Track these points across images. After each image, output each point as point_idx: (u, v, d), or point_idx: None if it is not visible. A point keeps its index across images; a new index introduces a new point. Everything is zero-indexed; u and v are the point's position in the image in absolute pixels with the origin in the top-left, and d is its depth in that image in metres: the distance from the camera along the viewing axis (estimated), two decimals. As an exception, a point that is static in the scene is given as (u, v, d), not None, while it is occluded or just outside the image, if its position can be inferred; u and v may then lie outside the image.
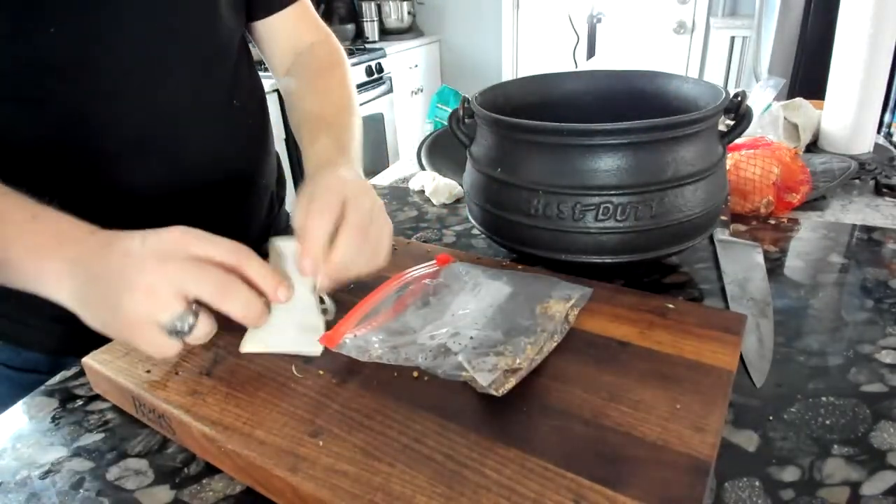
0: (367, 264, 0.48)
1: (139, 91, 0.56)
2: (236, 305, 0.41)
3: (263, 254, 0.46)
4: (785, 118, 0.95)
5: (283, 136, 2.22)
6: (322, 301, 0.49)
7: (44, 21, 0.49)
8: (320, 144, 0.59)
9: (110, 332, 0.42)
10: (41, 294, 0.42)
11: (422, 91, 3.29)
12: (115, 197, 0.58)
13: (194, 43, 0.60)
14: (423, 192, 0.88)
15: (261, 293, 0.42)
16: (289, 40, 0.73)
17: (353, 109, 0.67)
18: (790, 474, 0.38)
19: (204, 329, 0.41)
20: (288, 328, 0.47)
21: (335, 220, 0.46)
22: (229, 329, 0.50)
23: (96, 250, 0.41)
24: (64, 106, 0.53)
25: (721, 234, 0.67)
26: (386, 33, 3.25)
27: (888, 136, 1.86)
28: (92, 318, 0.41)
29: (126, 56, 0.54)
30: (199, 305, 0.40)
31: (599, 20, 2.29)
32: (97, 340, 0.49)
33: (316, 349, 0.46)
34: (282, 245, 0.50)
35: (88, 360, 0.47)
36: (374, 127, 2.76)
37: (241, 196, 0.70)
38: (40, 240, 0.42)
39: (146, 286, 0.38)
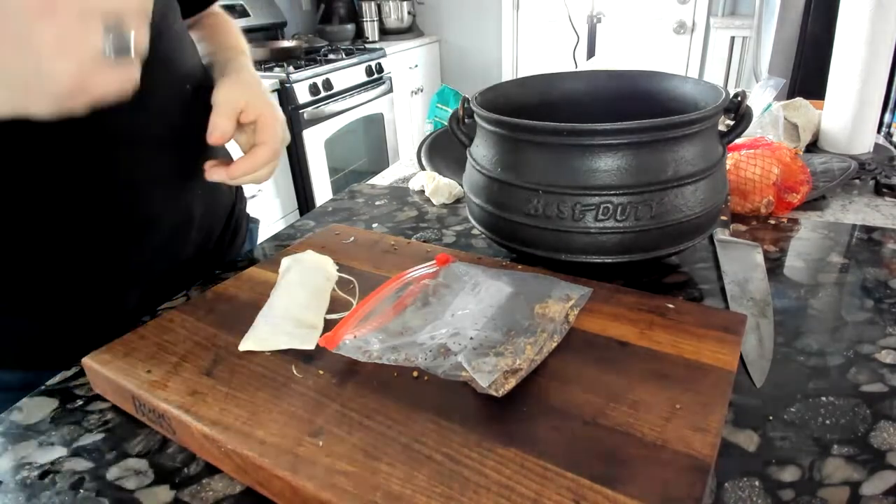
0: (266, 176, 0.58)
1: None
2: None
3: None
4: (785, 118, 0.95)
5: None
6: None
7: None
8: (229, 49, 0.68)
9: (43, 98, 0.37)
10: None
11: (422, 91, 3.29)
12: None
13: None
14: (423, 192, 0.88)
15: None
16: None
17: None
18: (790, 474, 0.38)
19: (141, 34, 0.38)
20: (287, 326, 0.48)
21: (242, 108, 0.55)
22: (229, 329, 0.50)
23: None
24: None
25: (721, 234, 0.67)
26: (386, 33, 3.25)
27: (888, 136, 1.86)
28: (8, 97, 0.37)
29: None
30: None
31: (599, 20, 2.29)
32: (68, 354, 0.51)
33: (311, 341, 0.47)
34: (294, 256, 0.57)
35: (88, 361, 0.47)
36: (374, 127, 2.76)
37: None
38: None
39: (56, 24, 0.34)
